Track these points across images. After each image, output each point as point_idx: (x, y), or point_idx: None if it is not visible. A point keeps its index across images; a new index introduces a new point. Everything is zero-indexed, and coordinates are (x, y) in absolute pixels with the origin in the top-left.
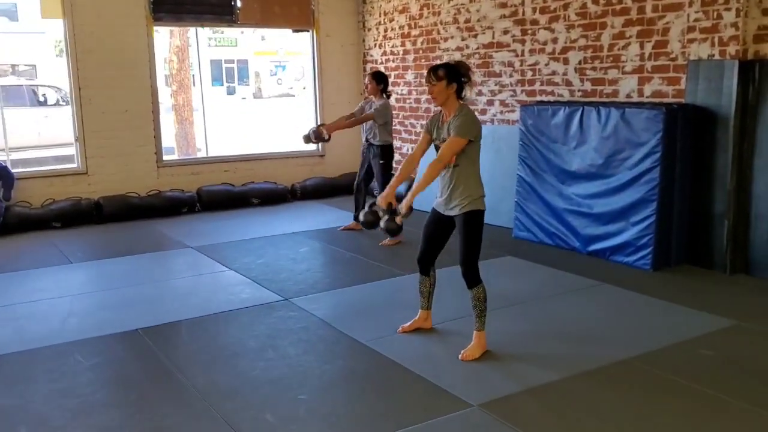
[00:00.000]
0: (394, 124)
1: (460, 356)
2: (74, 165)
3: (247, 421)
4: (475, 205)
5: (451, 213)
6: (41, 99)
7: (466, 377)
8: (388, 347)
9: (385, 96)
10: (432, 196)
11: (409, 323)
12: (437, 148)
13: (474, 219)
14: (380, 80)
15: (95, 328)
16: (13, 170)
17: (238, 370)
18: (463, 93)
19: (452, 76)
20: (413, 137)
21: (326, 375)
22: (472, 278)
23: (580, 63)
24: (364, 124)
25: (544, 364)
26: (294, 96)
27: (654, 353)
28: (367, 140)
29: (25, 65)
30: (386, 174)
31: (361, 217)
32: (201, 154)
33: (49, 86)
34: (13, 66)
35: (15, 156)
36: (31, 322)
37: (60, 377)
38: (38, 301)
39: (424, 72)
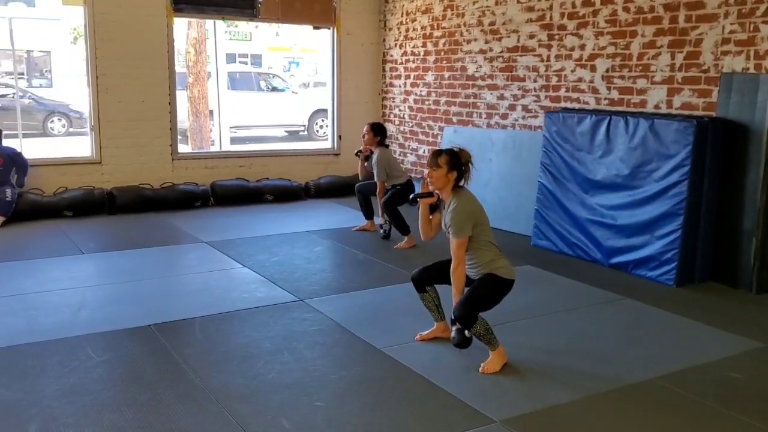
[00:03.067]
0: (411, 125)
1: (480, 369)
2: (88, 154)
3: (263, 426)
4: (490, 268)
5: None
6: (267, 85)
7: (486, 391)
8: (406, 355)
9: (383, 146)
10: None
11: (427, 332)
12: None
13: (490, 279)
14: (378, 132)
15: (107, 322)
16: (27, 157)
17: (253, 372)
18: (462, 182)
19: (453, 165)
20: (430, 139)
21: (343, 381)
22: (465, 321)
23: (607, 71)
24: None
25: (566, 382)
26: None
27: (679, 374)
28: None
29: (40, 51)
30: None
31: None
32: (214, 148)
33: (274, 75)
34: (239, 54)
35: (244, 133)
36: (42, 313)
37: (71, 372)
38: (50, 292)
39: (445, 74)
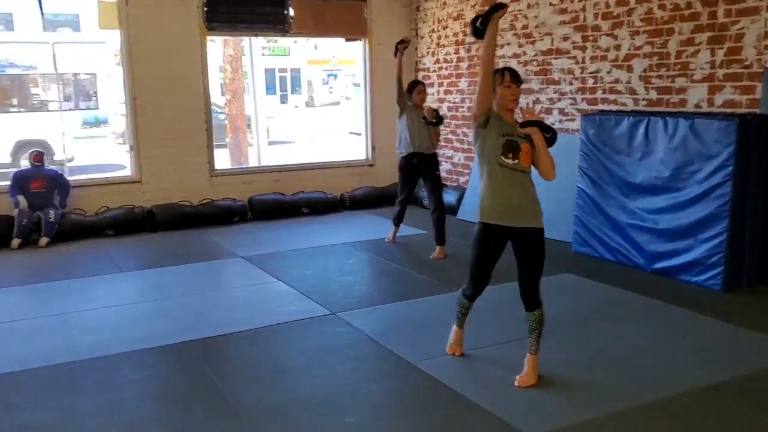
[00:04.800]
0: (446, 132)
1: (516, 382)
2: (128, 173)
3: None
4: (541, 218)
5: (525, 224)
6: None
7: (523, 405)
8: (439, 368)
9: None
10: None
11: (454, 341)
12: (510, 144)
13: (543, 235)
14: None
15: (144, 340)
16: (68, 178)
17: (285, 388)
18: None
19: None
20: (465, 146)
21: (375, 396)
22: (538, 300)
23: (645, 71)
24: (409, 134)
25: (605, 393)
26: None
27: (727, 383)
28: (417, 152)
29: (86, 74)
30: (441, 186)
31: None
32: (253, 163)
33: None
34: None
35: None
36: (82, 332)
37: (107, 390)
38: (89, 311)
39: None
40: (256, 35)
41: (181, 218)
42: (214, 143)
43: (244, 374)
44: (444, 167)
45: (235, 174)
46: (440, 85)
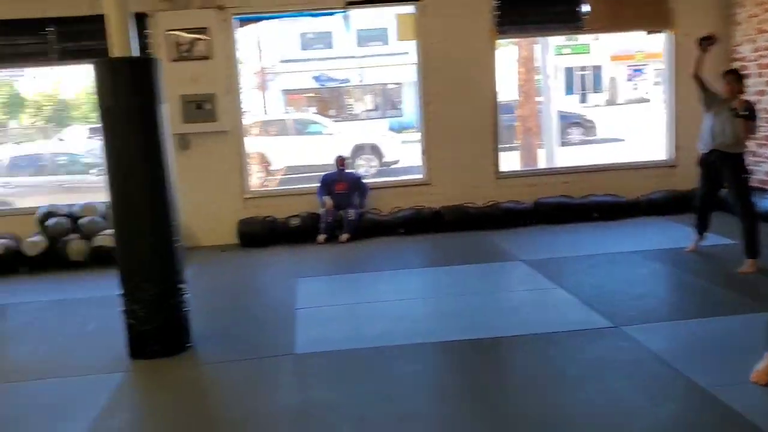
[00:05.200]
0: (763, 129)
1: None
2: (420, 176)
3: None
4: None
5: None
6: None
7: None
8: (738, 397)
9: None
10: None
11: (765, 372)
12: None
13: None
14: (741, 80)
15: (422, 334)
16: (365, 181)
17: (554, 399)
18: None
19: None
20: None
21: (655, 419)
22: None
23: None
24: (711, 128)
25: None
26: (649, 101)
27: None
28: (715, 149)
29: (393, 84)
30: (748, 189)
31: None
32: (542, 165)
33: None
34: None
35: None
36: (368, 322)
37: (384, 379)
38: (377, 303)
39: None
40: (548, 35)
41: (466, 219)
42: (505, 145)
43: (514, 380)
44: (762, 168)
45: (521, 176)
46: (760, 75)
